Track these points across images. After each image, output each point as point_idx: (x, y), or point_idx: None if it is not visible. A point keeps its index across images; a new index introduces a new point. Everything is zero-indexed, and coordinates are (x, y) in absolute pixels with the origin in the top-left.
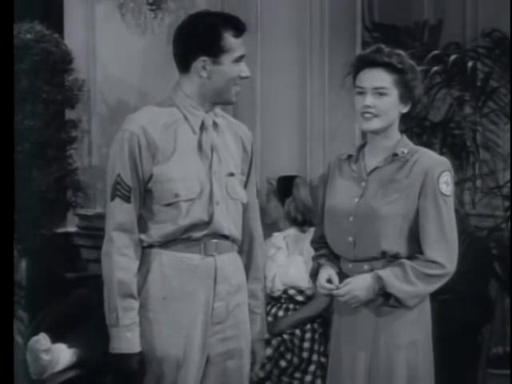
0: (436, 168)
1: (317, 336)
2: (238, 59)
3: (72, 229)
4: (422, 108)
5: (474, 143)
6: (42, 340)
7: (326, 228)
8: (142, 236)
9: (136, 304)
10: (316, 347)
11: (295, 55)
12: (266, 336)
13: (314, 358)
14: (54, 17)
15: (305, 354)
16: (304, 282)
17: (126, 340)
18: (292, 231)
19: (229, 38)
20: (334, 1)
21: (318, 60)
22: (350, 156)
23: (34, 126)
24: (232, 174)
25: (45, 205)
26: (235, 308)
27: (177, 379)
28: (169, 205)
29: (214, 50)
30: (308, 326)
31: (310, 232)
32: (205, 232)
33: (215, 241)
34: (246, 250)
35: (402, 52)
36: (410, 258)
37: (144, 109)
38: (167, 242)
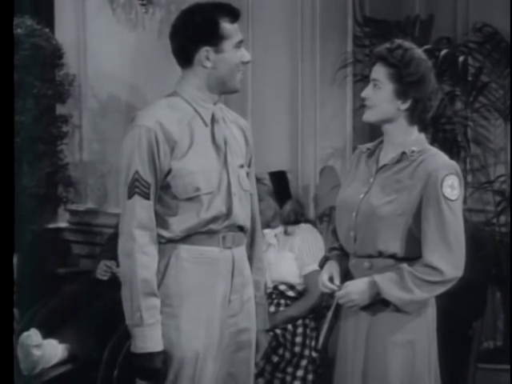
0: (441, 171)
1: (308, 331)
2: (238, 44)
3: (63, 224)
4: (425, 109)
5: (465, 138)
6: (33, 335)
7: (336, 220)
8: (162, 232)
9: (158, 302)
10: (308, 342)
11: (286, 50)
12: (268, 326)
13: (306, 352)
14: (44, 11)
15: (297, 349)
16: (295, 277)
17: (151, 339)
18: (283, 228)
19: (226, 25)
20: None
21: (309, 55)
22: (368, 149)
23: (25, 121)
24: (242, 166)
25: (36, 200)
26: (247, 300)
27: (195, 373)
28: (190, 199)
29: (215, 39)
30: (300, 321)
31: (300, 228)
32: (225, 224)
33: (232, 233)
34: (249, 241)
35: (409, 46)
36: (410, 259)
37: (155, 104)
38: (187, 236)
